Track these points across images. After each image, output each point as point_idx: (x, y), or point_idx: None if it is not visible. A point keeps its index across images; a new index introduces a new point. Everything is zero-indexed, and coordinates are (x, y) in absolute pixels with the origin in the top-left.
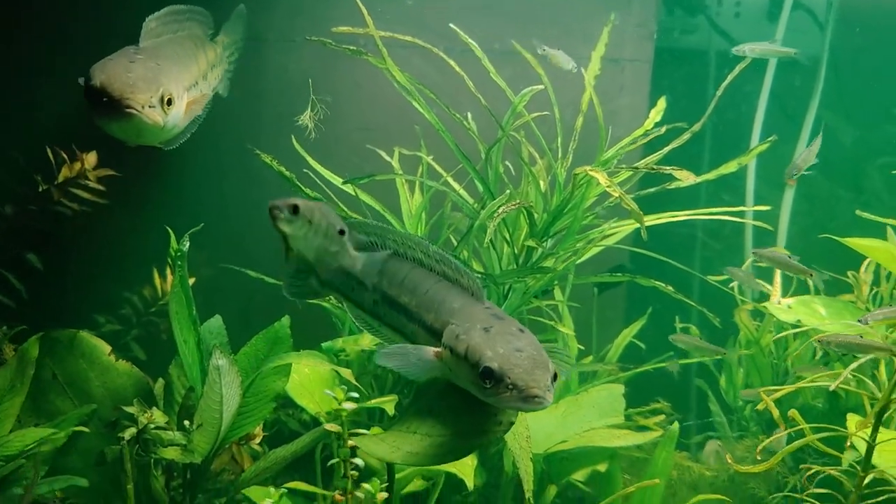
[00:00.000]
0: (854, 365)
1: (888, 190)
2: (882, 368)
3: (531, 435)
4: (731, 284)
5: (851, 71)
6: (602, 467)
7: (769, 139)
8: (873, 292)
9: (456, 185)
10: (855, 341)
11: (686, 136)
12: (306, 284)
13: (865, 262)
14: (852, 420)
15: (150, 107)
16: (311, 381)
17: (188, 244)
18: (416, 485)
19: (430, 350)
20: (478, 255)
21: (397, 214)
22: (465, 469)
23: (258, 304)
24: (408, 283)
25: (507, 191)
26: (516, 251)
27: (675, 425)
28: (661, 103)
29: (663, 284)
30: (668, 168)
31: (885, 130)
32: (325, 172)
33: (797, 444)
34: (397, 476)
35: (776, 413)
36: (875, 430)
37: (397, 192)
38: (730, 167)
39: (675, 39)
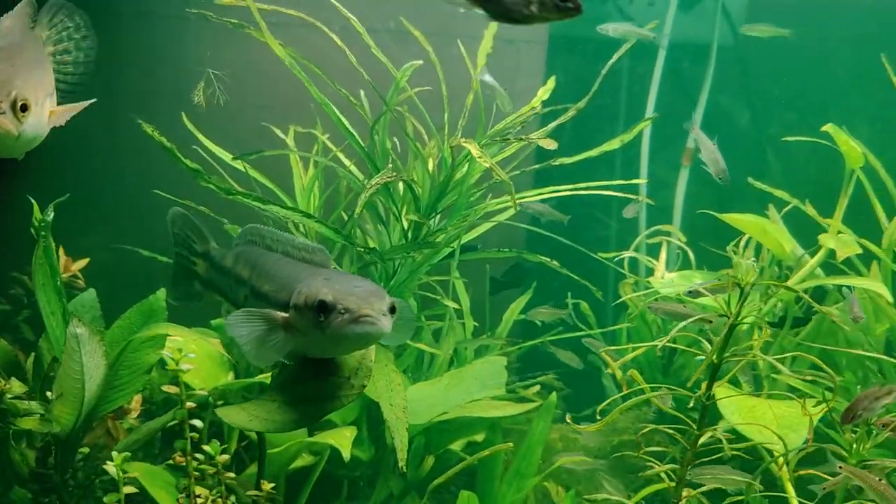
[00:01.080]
0: (675, 331)
1: (780, 170)
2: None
3: (414, 407)
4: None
5: (759, 57)
6: (479, 437)
7: (648, 118)
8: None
9: (347, 161)
10: (675, 309)
11: (571, 114)
12: (190, 287)
13: (744, 237)
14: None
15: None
16: (197, 357)
17: (52, 214)
18: (304, 460)
19: (279, 314)
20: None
21: (291, 191)
22: (343, 441)
23: (158, 283)
24: (268, 270)
25: (389, 165)
26: (404, 227)
27: (553, 396)
28: (550, 83)
29: (548, 260)
30: (532, 137)
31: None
32: (215, 149)
33: (630, 402)
34: (282, 450)
35: (619, 374)
36: (709, 389)
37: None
38: (612, 144)
39: (571, 22)
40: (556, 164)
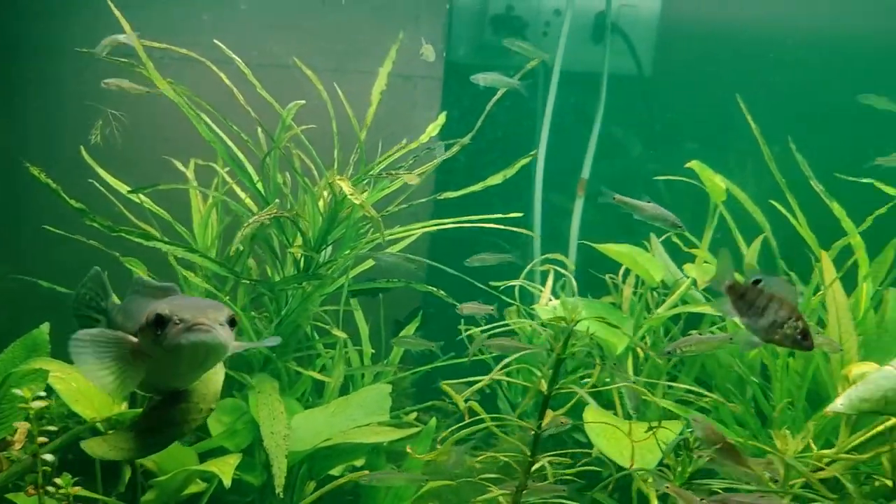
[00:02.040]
0: (499, 368)
1: (670, 199)
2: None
3: (299, 434)
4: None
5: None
6: (359, 462)
7: (531, 154)
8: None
9: (242, 195)
10: (505, 343)
11: (455, 150)
12: None
13: (624, 267)
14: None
15: None
16: (89, 387)
17: None
18: (198, 486)
19: (129, 337)
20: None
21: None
22: (225, 467)
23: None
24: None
25: (277, 201)
26: (296, 259)
27: (433, 421)
28: (441, 119)
29: (435, 289)
30: (399, 172)
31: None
32: (112, 181)
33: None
34: (170, 477)
35: (462, 405)
36: (540, 418)
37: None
38: (495, 179)
39: (465, 57)
40: (441, 198)
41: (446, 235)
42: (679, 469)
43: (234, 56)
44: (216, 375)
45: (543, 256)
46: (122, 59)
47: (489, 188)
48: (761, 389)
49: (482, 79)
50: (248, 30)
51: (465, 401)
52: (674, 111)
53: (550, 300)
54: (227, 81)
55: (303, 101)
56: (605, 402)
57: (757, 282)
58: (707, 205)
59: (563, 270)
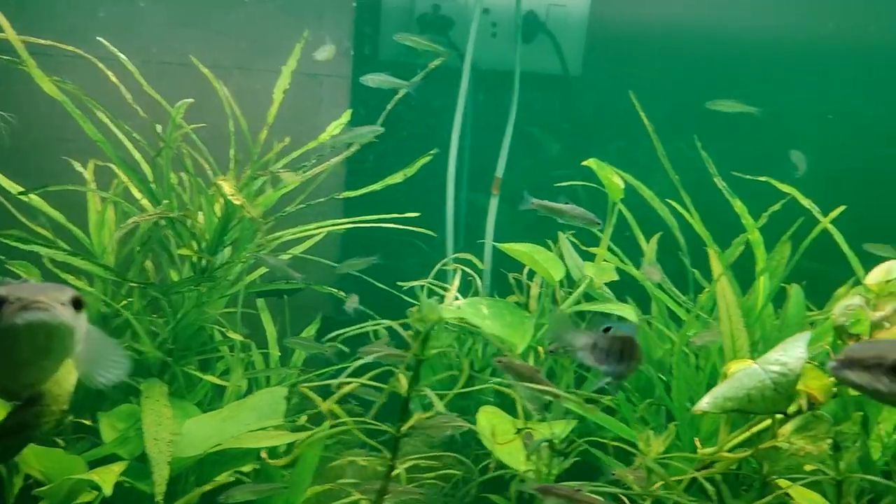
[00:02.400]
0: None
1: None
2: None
3: (189, 440)
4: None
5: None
6: (248, 468)
7: (431, 152)
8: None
9: (139, 195)
10: (375, 350)
11: (353, 150)
12: None
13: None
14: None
15: None
16: None
17: None
18: (90, 495)
19: None
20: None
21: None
22: (108, 476)
23: None
24: None
25: (165, 202)
26: (193, 261)
27: (326, 424)
28: (345, 117)
29: (336, 290)
30: (279, 170)
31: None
32: (6, 183)
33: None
34: (56, 486)
35: (324, 406)
36: (400, 422)
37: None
38: (396, 178)
39: (374, 55)
40: (340, 197)
41: (359, 234)
42: (545, 470)
43: (118, 53)
44: (69, 375)
45: (452, 256)
46: (5, 57)
47: (397, 186)
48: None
49: (371, 80)
50: (148, 27)
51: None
52: (601, 110)
53: (455, 300)
54: (113, 79)
55: (191, 100)
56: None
57: (607, 329)
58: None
59: (467, 269)
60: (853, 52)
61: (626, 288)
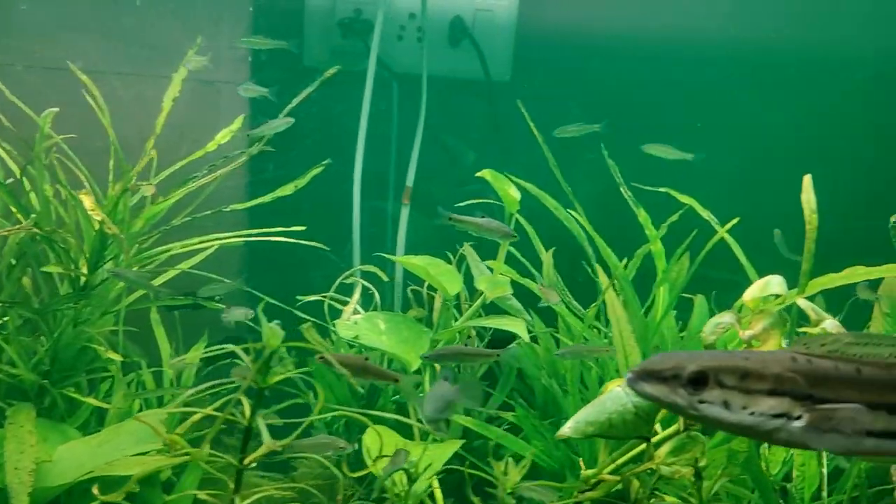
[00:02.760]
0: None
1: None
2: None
3: (62, 467)
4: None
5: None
6: (119, 497)
7: (323, 163)
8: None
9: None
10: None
11: (243, 160)
12: None
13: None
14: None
15: None
16: None
17: None
18: None
19: None
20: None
21: None
22: None
23: None
24: None
25: (33, 216)
26: (72, 277)
27: (206, 448)
28: (236, 124)
29: (223, 305)
30: (143, 184)
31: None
32: None
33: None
34: None
35: (166, 437)
36: (242, 452)
37: None
38: (286, 190)
39: (272, 61)
40: (228, 209)
41: (264, 247)
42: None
43: None
44: None
45: (355, 269)
46: None
47: (303, 196)
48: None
49: (244, 90)
50: (32, 31)
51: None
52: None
53: (354, 315)
54: None
55: (56, 109)
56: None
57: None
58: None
59: (368, 282)
60: (787, 56)
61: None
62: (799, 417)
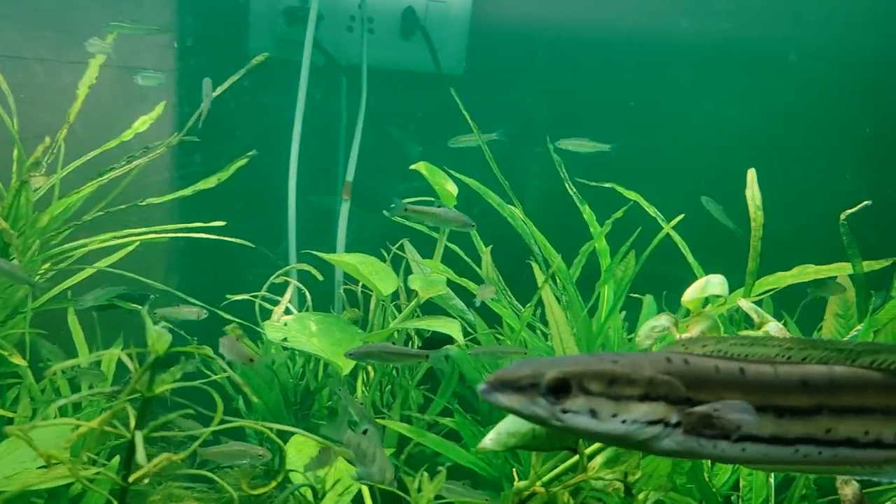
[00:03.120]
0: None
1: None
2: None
3: None
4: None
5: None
6: None
7: (249, 154)
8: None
9: None
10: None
11: (161, 150)
12: None
13: None
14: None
15: None
16: None
17: None
18: None
19: None
20: None
21: None
22: None
23: None
24: None
25: None
26: None
27: (116, 459)
28: (156, 112)
29: (139, 307)
30: (35, 175)
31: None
32: None
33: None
34: None
35: (42, 453)
36: (126, 468)
37: None
38: (209, 183)
39: (202, 48)
40: (143, 203)
41: (199, 243)
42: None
43: None
44: None
45: (288, 268)
46: None
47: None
48: None
49: (142, 78)
50: None
51: None
52: (482, 110)
53: (285, 315)
54: None
55: None
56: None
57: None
58: None
59: (293, 281)
60: (741, 52)
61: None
62: (678, 424)
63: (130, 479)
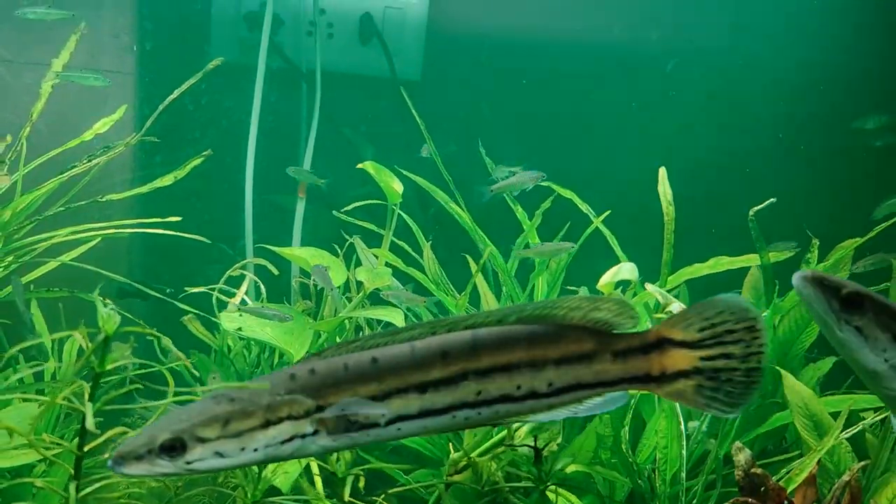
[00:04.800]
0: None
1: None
2: None
3: None
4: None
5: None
6: None
7: (204, 153)
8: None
9: None
10: None
11: (119, 149)
12: None
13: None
14: None
15: None
16: None
17: None
18: None
19: None
20: None
21: None
22: None
23: None
24: None
25: None
26: None
27: (74, 442)
28: (118, 114)
29: (102, 298)
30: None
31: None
32: None
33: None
34: None
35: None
36: (81, 441)
37: None
38: (165, 181)
39: (159, 50)
40: (103, 199)
41: (159, 238)
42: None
43: None
44: None
45: (244, 262)
46: None
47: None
48: None
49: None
50: None
51: None
52: (437, 113)
53: (241, 307)
54: None
55: None
56: None
57: None
58: None
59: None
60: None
61: None
62: (316, 432)
63: (85, 449)
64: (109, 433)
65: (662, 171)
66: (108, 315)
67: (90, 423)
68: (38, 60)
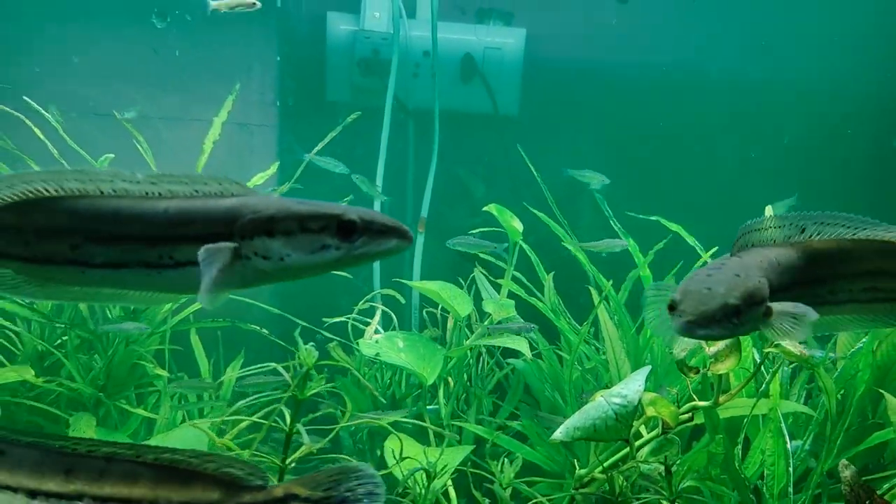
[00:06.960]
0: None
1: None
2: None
3: None
4: None
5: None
6: None
7: (346, 198)
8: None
9: None
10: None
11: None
12: None
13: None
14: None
15: None
16: None
17: None
18: None
19: None
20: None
21: None
22: None
23: None
24: None
25: None
26: None
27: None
28: (272, 169)
29: (258, 328)
30: None
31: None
32: None
33: None
34: None
35: (218, 441)
36: (284, 453)
37: None
38: None
39: (298, 104)
40: None
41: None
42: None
43: (40, 109)
44: None
45: (376, 292)
46: None
47: None
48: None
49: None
50: (83, 81)
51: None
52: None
53: (375, 334)
54: (39, 134)
55: (112, 155)
56: None
57: None
58: None
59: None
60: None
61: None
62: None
63: (287, 461)
64: (304, 448)
65: (769, 209)
66: (308, 351)
67: (306, 439)
68: (199, 117)
